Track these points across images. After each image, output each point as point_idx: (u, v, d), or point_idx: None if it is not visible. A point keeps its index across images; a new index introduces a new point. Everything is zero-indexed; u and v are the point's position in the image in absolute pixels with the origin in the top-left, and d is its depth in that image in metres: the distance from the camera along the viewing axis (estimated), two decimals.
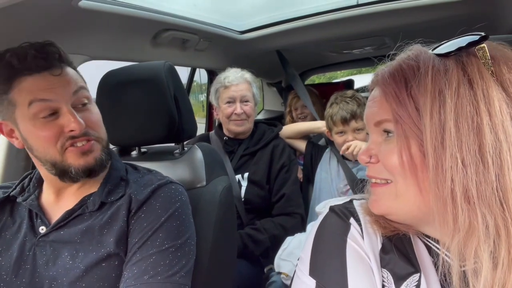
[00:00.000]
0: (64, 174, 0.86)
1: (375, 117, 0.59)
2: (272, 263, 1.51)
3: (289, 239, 1.54)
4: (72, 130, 0.82)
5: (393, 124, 0.56)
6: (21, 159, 1.28)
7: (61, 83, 0.83)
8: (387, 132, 0.58)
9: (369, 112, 0.61)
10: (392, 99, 0.56)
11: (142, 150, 1.28)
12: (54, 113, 0.82)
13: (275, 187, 1.76)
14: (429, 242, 0.60)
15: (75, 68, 0.90)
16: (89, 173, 0.87)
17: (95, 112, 0.90)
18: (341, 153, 1.72)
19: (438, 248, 0.58)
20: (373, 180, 0.61)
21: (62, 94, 0.82)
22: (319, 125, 1.95)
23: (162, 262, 0.81)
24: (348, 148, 1.67)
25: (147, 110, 1.12)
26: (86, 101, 0.87)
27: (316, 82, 4.26)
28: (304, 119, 2.37)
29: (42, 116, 0.81)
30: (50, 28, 1.14)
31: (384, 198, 0.59)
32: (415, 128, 0.53)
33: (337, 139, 1.74)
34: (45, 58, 0.82)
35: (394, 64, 0.59)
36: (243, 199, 1.72)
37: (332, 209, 0.66)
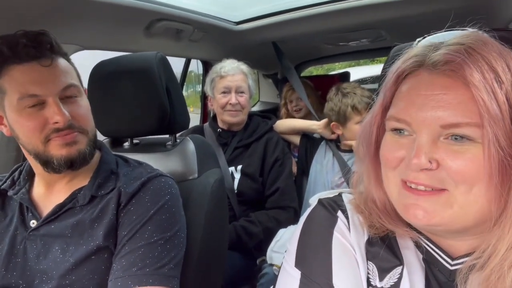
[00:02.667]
0: (46, 164, 0.85)
1: (448, 119, 0.49)
2: (265, 255, 1.52)
3: (281, 231, 1.55)
4: (56, 122, 0.81)
5: (475, 129, 0.48)
6: (11, 149, 1.27)
7: (50, 76, 0.82)
8: (459, 136, 0.50)
9: (435, 109, 0.50)
10: (486, 96, 0.47)
11: (134, 141, 1.27)
12: (40, 103, 0.82)
13: (268, 181, 1.76)
14: (422, 240, 0.59)
15: (68, 60, 0.89)
16: (70, 164, 0.85)
17: (83, 105, 0.89)
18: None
19: (431, 248, 0.58)
20: (423, 188, 0.52)
21: (50, 89, 0.82)
22: (314, 127, 1.92)
23: (150, 254, 0.81)
24: None
25: (138, 101, 1.11)
26: (74, 94, 0.87)
27: (314, 73, 4.25)
28: (299, 111, 2.36)
29: (28, 106, 0.81)
30: (42, 18, 1.13)
31: (439, 207, 0.51)
32: (507, 139, 0.47)
33: (357, 128, 1.67)
34: (36, 47, 0.81)
35: (470, 51, 0.50)
36: (236, 191, 1.73)
37: (320, 202, 0.65)
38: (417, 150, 0.51)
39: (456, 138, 0.50)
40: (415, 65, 0.55)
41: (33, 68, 0.81)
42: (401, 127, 0.54)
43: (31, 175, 0.94)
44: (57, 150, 0.84)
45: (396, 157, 0.54)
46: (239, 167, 1.76)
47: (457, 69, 0.50)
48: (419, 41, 0.61)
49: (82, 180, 0.91)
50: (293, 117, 2.39)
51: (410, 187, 0.53)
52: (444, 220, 0.52)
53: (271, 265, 1.46)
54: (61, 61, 0.86)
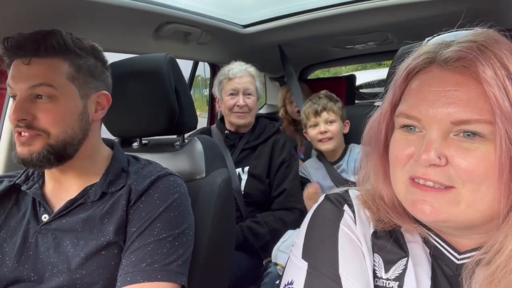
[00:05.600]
0: None
1: (458, 115, 0.49)
2: (271, 256, 1.52)
3: (290, 232, 1.54)
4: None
5: (485, 126, 0.49)
6: None
7: (25, 73, 0.84)
8: (471, 133, 0.50)
9: (446, 105, 0.50)
10: (498, 92, 0.47)
11: (143, 141, 1.29)
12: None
13: (275, 182, 1.77)
14: (430, 235, 0.60)
15: (73, 59, 0.88)
16: (23, 163, 0.85)
17: (54, 107, 0.85)
18: (316, 146, 1.76)
19: (438, 243, 0.59)
20: (431, 184, 0.52)
21: (19, 84, 0.85)
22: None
23: (159, 250, 0.83)
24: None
25: (148, 102, 1.13)
26: (45, 94, 0.84)
27: (320, 76, 4.26)
28: (299, 113, 2.34)
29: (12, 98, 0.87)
30: (52, 20, 1.15)
31: (445, 205, 0.51)
32: None
33: (311, 132, 1.76)
34: (24, 46, 0.84)
35: (482, 48, 0.50)
36: (243, 193, 1.74)
37: (327, 197, 0.67)
38: (426, 145, 0.51)
39: (468, 135, 0.50)
40: (426, 62, 0.55)
41: (16, 65, 0.86)
42: (411, 123, 0.54)
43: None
44: (17, 147, 0.86)
45: (406, 155, 0.55)
46: (246, 168, 1.77)
47: (470, 65, 0.50)
48: (428, 40, 0.61)
49: (93, 177, 0.93)
50: (293, 118, 2.39)
51: (418, 183, 0.53)
52: (451, 217, 0.52)
53: (276, 264, 1.46)
54: (44, 61, 0.85)
